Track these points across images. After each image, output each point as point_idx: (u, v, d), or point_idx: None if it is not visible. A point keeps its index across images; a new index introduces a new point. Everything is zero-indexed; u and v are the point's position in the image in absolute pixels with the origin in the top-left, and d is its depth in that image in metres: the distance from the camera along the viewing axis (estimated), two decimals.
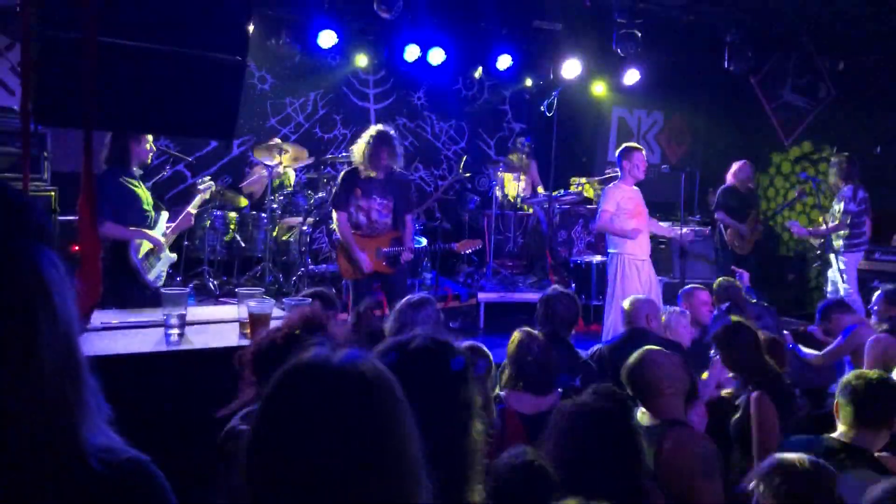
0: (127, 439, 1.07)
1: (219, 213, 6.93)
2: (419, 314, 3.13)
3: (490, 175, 8.56)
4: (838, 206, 6.70)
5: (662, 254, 7.35)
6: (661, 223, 6.09)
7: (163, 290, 2.98)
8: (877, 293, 4.92)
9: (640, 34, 7.56)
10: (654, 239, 6.24)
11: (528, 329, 3.25)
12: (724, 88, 9.13)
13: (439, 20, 7.76)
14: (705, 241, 7.75)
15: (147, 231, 4.37)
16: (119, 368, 2.43)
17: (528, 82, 9.41)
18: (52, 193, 5.61)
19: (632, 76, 8.64)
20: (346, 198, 5.09)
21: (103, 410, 1.05)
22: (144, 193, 4.48)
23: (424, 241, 6.94)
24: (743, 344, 3.38)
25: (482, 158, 9.33)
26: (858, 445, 2.62)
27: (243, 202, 7.25)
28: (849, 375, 2.80)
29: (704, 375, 3.62)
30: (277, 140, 7.32)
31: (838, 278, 6.71)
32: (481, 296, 7.12)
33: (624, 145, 5.89)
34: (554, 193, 7.86)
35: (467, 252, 6.25)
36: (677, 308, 4.54)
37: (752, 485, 2.00)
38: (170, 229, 4.61)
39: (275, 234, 7.07)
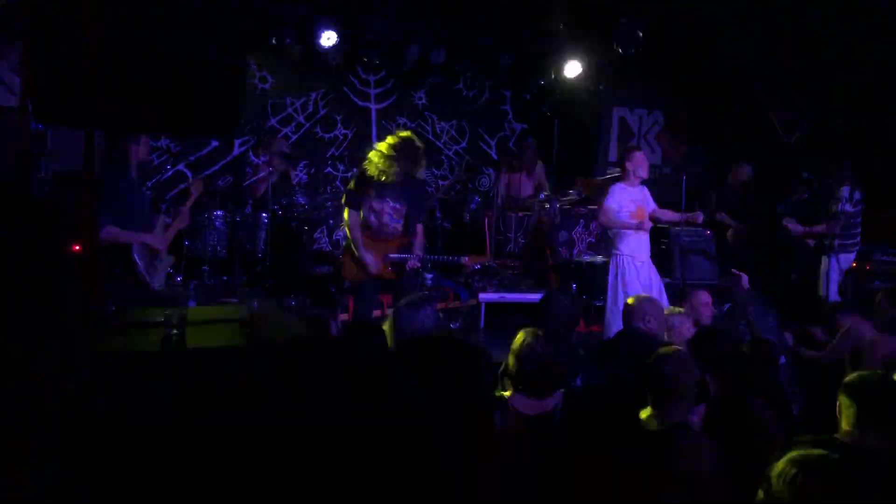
0: (127, 439, 1.06)
1: (219, 213, 6.93)
2: (418, 315, 3.12)
3: (491, 175, 8.56)
4: (834, 207, 6.73)
5: (663, 254, 7.34)
6: (667, 211, 6.07)
7: (163, 290, 2.98)
8: (876, 295, 4.91)
9: (641, 34, 7.55)
10: (655, 239, 6.22)
11: (534, 329, 3.24)
12: (725, 88, 9.11)
13: (440, 20, 7.76)
14: (706, 242, 7.75)
15: (147, 234, 4.36)
16: (118, 368, 2.42)
17: (530, 82, 9.40)
18: (53, 193, 5.61)
19: (632, 76, 8.60)
20: (358, 197, 4.98)
21: None
22: (144, 194, 4.48)
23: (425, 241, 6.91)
24: (718, 349, 3.39)
25: (483, 159, 9.32)
26: (861, 445, 2.61)
27: (244, 202, 7.24)
28: (851, 376, 2.80)
29: None
30: (284, 142, 7.34)
31: (824, 277, 6.76)
32: (482, 296, 7.12)
33: (624, 148, 5.91)
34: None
35: (476, 267, 6.25)
36: (679, 308, 4.53)
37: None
38: (167, 230, 4.61)
39: (275, 233, 7.06)
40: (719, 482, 2.45)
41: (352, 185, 5.08)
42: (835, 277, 6.66)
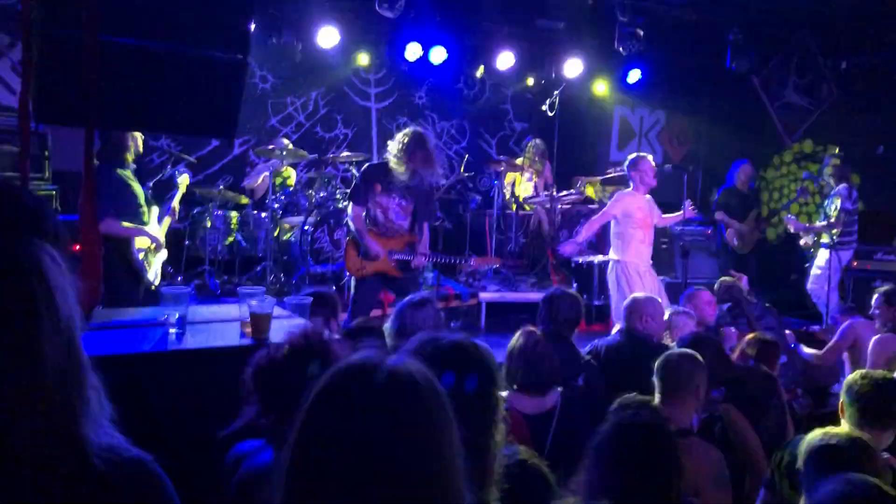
0: (127, 439, 1.06)
1: (220, 212, 6.92)
2: (419, 314, 3.11)
3: (491, 174, 8.54)
4: (834, 204, 6.75)
5: (664, 253, 7.33)
6: (666, 215, 6.08)
7: (163, 289, 2.97)
8: (875, 294, 4.92)
9: (642, 33, 7.55)
10: (656, 238, 6.22)
11: (531, 328, 3.24)
12: (726, 88, 9.11)
13: (441, 19, 7.75)
14: (707, 241, 7.75)
15: (146, 228, 4.35)
16: (119, 368, 2.42)
17: (530, 81, 9.39)
18: (53, 192, 5.61)
19: (634, 75, 8.65)
20: (364, 192, 4.89)
21: (105, 409, 1.05)
22: (139, 188, 4.45)
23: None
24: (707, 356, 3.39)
25: (483, 158, 9.32)
26: None
27: (244, 201, 7.24)
28: (854, 375, 2.80)
29: None
30: (284, 141, 7.34)
31: (815, 272, 6.86)
32: (482, 295, 7.12)
33: (631, 156, 5.89)
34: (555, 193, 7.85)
35: (483, 268, 6.21)
36: (681, 308, 4.53)
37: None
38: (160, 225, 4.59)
39: (276, 233, 7.07)
40: (720, 488, 2.46)
41: (357, 181, 5.02)
42: (837, 274, 6.67)
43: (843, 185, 6.81)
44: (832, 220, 6.71)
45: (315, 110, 8.61)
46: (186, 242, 6.85)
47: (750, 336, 3.95)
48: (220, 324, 3.08)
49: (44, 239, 1.01)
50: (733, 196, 7.67)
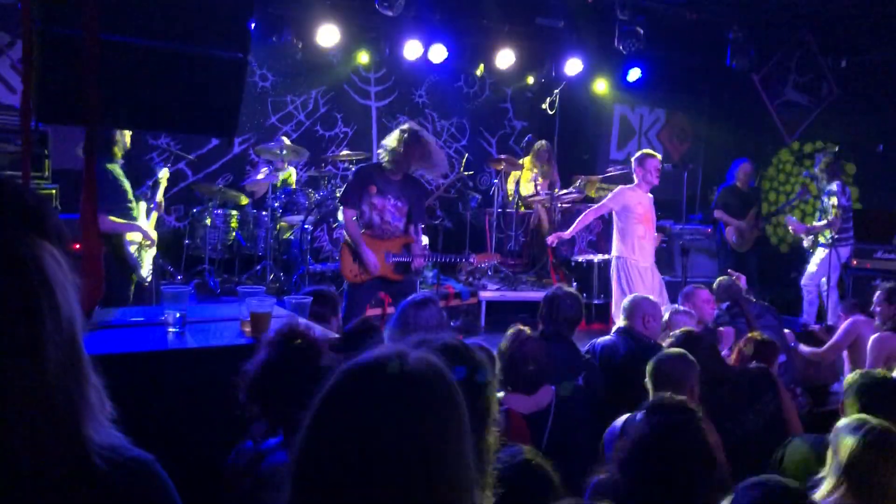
0: (128, 439, 1.06)
1: (220, 211, 6.92)
2: (422, 314, 3.11)
3: (491, 173, 8.54)
4: (830, 202, 6.79)
5: (664, 252, 7.34)
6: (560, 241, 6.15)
7: (163, 288, 2.97)
8: (876, 293, 4.92)
9: (642, 31, 7.55)
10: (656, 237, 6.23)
11: (520, 328, 3.25)
12: (726, 86, 9.12)
13: (441, 17, 7.75)
14: (707, 239, 7.75)
15: (139, 224, 4.33)
16: (120, 367, 2.42)
17: (530, 80, 9.39)
18: (53, 191, 5.60)
19: (634, 74, 8.65)
20: (357, 194, 4.72)
21: (107, 409, 1.04)
22: (128, 183, 4.43)
23: (426, 240, 6.91)
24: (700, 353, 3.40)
25: (484, 156, 9.32)
26: None
27: (244, 200, 7.24)
28: (854, 374, 2.80)
29: None
30: (285, 140, 7.34)
31: (811, 269, 6.91)
32: (483, 294, 7.12)
33: (640, 152, 5.89)
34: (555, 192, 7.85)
35: (483, 265, 6.18)
36: (680, 307, 4.53)
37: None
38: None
39: (276, 232, 7.07)
40: (724, 490, 2.45)
41: (350, 182, 4.86)
42: (836, 272, 6.71)
43: (836, 182, 6.86)
44: (831, 218, 6.73)
45: (315, 109, 8.61)
46: (186, 241, 6.85)
47: (747, 336, 3.95)
48: (220, 323, 3.07)
49: (46, 238, 1.01)
50: (733, 194, 7.67)
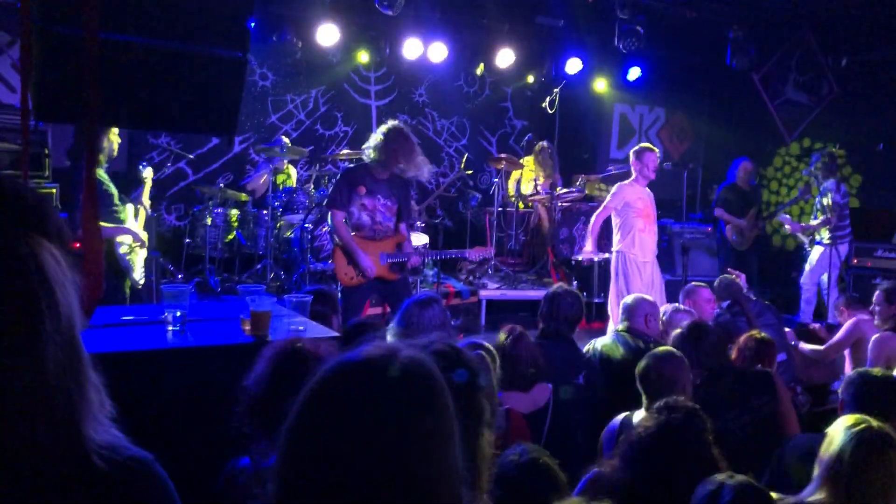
0: (128, 438, 1.06)
1: (220, 210, 6.93)
2: (426, 313, 3.11)
3: (492, 172, 8.54)
4: (825, 200, 6.82)
5: (664, 251, 7.34)
6: (585, 248, 6.14)
7: (164, 287, 2.97)
8: (876, 292, 4.91)
9: (641, 30, 7.55)
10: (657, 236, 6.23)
11: (513, 327, 3.25)
12: (726, 85, 9.11)
13: (440, 16, 7.75)
14: (707, 238, 7.76)
15: (127, 225, 4.32)
16: (120, 366, 2.42)
17: (530, 79, 9.39)
18: (53, 190, 5.59)
19: (634, 73, 8.65)
20: (346, 196, 4.64)
21: (106, 407, 1.04)
22: (113, 187, 4.41)
23: (426, 239, 6.92)
24: (710, 344, 3.40)
25: (484, 155, 9.32)
26: None
27: (244, 199, 7.24)
28: (853, 373, 2.80)
29: None
30: (284, 139, 7.35)
31: (810, 267, 6.95)
32: (483, 293, 7.12)
33: (638, 146, 5.90)
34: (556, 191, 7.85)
35: (478, 259, 6.17)
36: (680, 305, 4.53)
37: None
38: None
39: (276, 231, 7.07)
40: None
41: (337, 184, 4.76)
42: (835, 269, 6.73)
43: (831, 181, 6.90)
44: (829, 216, 6.77)
45: (315, 108, 8.61)
46: (187, 240, 6.85)
47: (747, 334, 3.95)
48: (220, 321, 3.08)
49: (46, 237, 1.00)
50: (733, 193, 7.67)
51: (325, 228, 6.59)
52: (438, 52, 8.02)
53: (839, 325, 5.20)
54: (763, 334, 3.92)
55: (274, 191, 7.03)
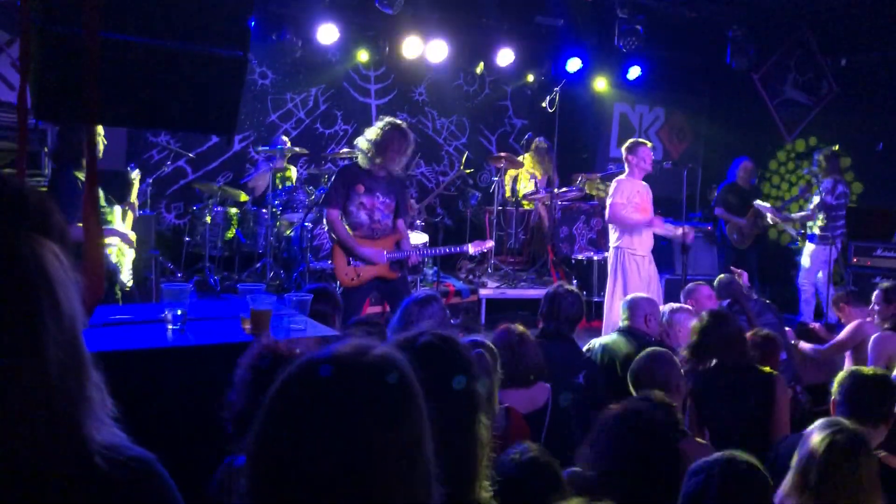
0: (129, 437, 1.05)
1: (219, 209, 6.92)
2: (425, 311, 3.10)
3: (491, 171, 8.55)
4: (816, 199, 6.89)
5: (665, 249, 7.34)
6: (666, 223, 6.07)
7: (164, 286, 2.97)
8: (875, 292, 4.91)
9: (641, 30, 7.55)
10: (657, 236, 6.23)
11: (508, 325, 3.25)
12: (725, 85, 9.11)
13: (440, 15, 7.75)
14: (707, 237, 7.76)
15: (113, 227, 4.29)
16: (120, 364, 2.41)
17: (530, 78, 9.39)
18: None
19: (633, 72, 8.65)
20: (342, 194, 4.57)
21: (108, 406, 1.04)
22: (98, 189, 4.36)
23: (426, 238, 6.92)
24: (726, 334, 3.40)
25: (483, 154, 9.32)
26: None
27: (243, 198, 7.24)
28: (843, 372, 2.81)
29: None
30: (284, 138, 7.35)
31: (805, 265, 7.10)
32: (483, 292, 7.12)
33: (630, 141, 5.90)
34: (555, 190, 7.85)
35: (478, 253, 6.14)
36: (681, 305, 4.53)
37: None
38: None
39: (276, 230, 7.07)
40: None
41: (334, 183, 4.68)
42: (827, 266, 6.83)
43: (827, 180, 6.92)
44: (808, 211, 6.96)
45: (315, 106, 8.61)
46: (186, 239, 6.85)
47: (750, 333, 3.95)
48: (220, 320, 3.08)
49: (48, 236, 1.00)
50: (734, 192, 7.68)
51: (325, 227, 6.59)
52: (438, 50, 8.02)
53: (839, 323, 5.20)
54: (767, 331, 3.93)
55: (273, 189, 7.03)
